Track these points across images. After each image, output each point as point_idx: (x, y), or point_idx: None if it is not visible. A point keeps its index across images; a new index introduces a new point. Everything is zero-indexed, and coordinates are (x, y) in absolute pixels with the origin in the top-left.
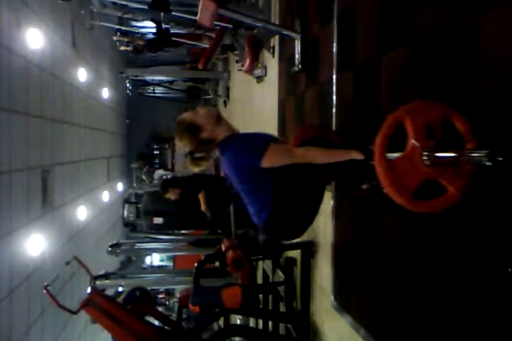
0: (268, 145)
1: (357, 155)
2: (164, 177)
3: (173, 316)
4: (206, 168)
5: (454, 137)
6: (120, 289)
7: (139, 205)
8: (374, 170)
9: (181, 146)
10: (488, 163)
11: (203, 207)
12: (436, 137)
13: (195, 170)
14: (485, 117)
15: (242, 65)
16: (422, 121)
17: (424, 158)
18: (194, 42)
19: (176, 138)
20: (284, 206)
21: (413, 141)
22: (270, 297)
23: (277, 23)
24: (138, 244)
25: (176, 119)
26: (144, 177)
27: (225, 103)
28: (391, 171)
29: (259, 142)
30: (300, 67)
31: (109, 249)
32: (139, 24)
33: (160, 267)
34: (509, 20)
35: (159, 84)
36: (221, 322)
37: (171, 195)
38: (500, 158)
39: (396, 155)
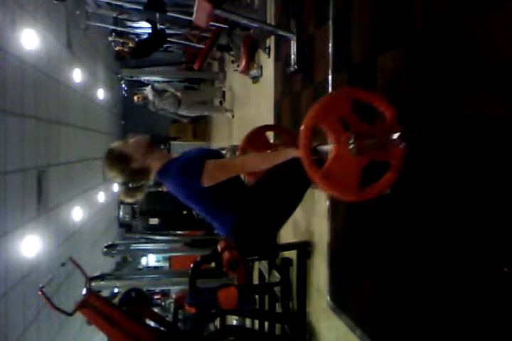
0: (203, 164)
1: (296, 153)
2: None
3: (169, 317)
4: None
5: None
6: (116, 290)
7: (135, 206)
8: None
9: (113, 177)
10: (402, 145)
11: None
12: (351, 126)
13: (129, 201)
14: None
15: (238, 66)
16: (334, 116)
17: (351, 148)
18: (189, 43)
19: (107, 169)
20: (245, 219)
21: (334, 141)
22: (266, 297)
23: (273, 23)
24: (133, 245)
25: (106, 150)
26: None
27: (220, 103)
28: (329, 178)
29: (194, 162)
30: (296, 67)
31: (105, 249)
32: (134, 25)
33: (156, 268)
34: (503, 22)
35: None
36: (217, 322)
37: (164, 188)
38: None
39: (326, 147)
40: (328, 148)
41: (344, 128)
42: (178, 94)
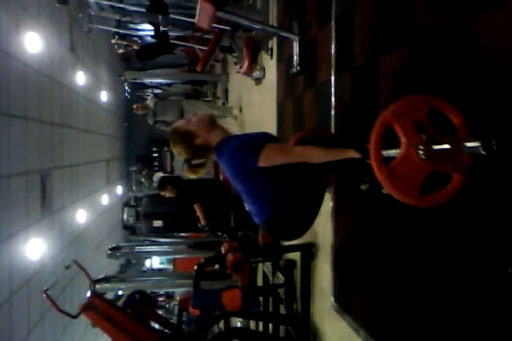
0: (264, 144)
1: (353, 154)
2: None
3: (174, 319)
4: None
5: (443, 124)
6: (120, 292)
7: (139, 208)
8: (372, 169)
9: (177, 154)
10: (483, 152)
11: (202, 222)
12: (426, 130)
13: (193, 177)
14: (483, 114)
15: (241, 67)
16: (410, 119)
17: (420, 152)
18: (193, 45)
19: (171, 146)
20: (286, 205)
21: (405, 142)
22: (270, 299)
23: (275, 24)
24: (137, 247)
25: (170, 128)
26: (143, 180)
27: (223, 105)
28: (393, 177)
29: (255, 141)
30: (298, 68)
31: (109, 252)
32: (137, 27)
33: (160, 270)
34: (502, 22)
35: (158, 86)
36: (221, 324)
37: (167, 193)
38: (495, 147)
39: (392, 152)
40: (394, 152)
41: (418, 131)
42: (184, 101)
